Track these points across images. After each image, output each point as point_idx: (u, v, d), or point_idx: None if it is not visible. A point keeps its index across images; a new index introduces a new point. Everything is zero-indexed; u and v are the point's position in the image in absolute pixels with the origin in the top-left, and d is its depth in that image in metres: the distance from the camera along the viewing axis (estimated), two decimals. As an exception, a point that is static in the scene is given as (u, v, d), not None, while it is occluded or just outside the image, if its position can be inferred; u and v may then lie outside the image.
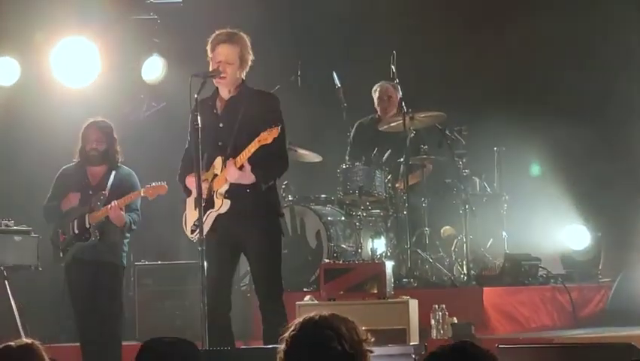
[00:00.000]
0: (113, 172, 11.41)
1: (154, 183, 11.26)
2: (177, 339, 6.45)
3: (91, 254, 11.27)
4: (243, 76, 10.13)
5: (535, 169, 14.57)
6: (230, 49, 9.98)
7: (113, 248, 11.33)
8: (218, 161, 9.97)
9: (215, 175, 9.97)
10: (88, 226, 11.23)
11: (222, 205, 9.99)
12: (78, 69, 14.43)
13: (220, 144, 10.00)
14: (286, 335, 5.63)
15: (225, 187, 9.94)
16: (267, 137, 9.66)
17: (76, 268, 11.32)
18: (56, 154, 12.05)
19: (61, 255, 11.40)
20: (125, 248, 11.43)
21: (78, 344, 11.34)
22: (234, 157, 9.83)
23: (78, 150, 11.47)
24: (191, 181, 9.92)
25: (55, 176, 11.63)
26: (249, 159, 9.80)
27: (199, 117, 9.71)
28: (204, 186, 9.85)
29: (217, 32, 10.03)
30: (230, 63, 9.98)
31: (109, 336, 11.27)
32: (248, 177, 9.84)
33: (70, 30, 14.40)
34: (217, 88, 10.09)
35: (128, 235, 11.41)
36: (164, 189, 11.21)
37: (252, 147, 9.74)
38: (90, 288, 11.26)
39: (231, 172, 9.85)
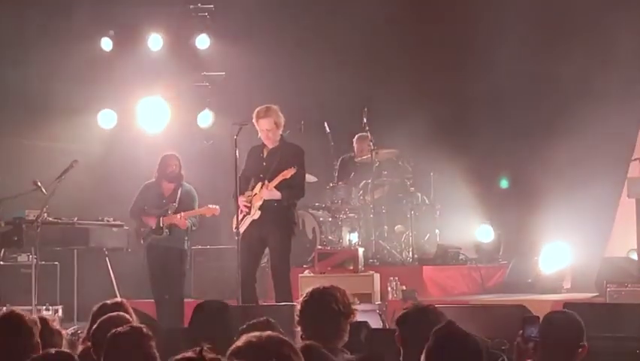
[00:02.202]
0: (180, 188, 11.44)
1: (210, 206, 11.26)
2: (214, 301, 6.51)
3: (163, 242, 11.32)
4: (281, 132, 10.34)
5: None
6: (267, 121, 10.26)
7: (179, 238, 11.35)
8: (258, 186, 10.23)
9: (255, 194, 10.20)
10: (162, 225, 11.27)
11: (255, 214, 10.22)
12: (155, 118, 14.50)
13: (261, 175, 10.29)
14: (301, 299, 5.76)
15: (260, 203, 10.24)
16: (287, 174, 10.06)
17: (153, 250, 11.38)
18: (139, 176, 11.99)
19: (142, 242, 11.45)
20: (187, 237, 11.44)
21: (153, 300, 11.36)
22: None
23: (158, 170, 11.47)
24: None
25: (139, 188, 11.64)
26: (280, 185, 10.04)
27: (237, 151, 9.99)
28: (248, 200, 10.19)
29: (257, 109, 10.35)
30: (269, 130, 10.23)
31: (176, 296, 11.30)
32: (275, 195, 10.10)
33: (150, 91, 14.43)
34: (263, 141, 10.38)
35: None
36: (217, 211, 11.21)
37: (278, 179, 10.15)
38: (162, 264, 11.32)
39: (264, 193, 10.12)
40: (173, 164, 11.46)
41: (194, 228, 11.42)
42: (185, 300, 11.46)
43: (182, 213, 11.20)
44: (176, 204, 11.33)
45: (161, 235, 11.28)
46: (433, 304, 5.91)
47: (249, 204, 10.32)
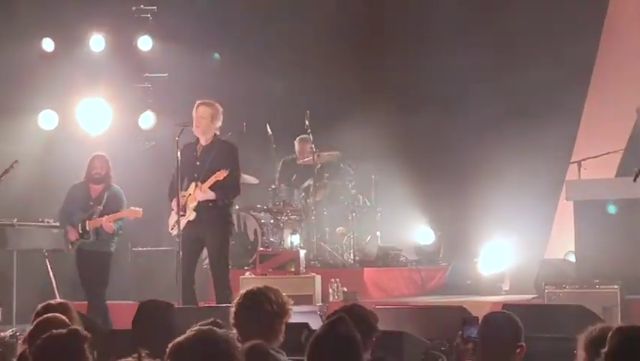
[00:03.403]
0: (107, 191, 11.23)
1: (133, 208, 11.13)
2: (157, 301, 6.48)
3: (89, 246, 11.16)
4: (217, 132, 10.27)
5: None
6: (205, 109, 10.19)
7: (105, 242, 11.19)
8: (192, 186, 10.13)
9: (190, 195, 10.11)
10: (88, 229, 11.11)
11: (191, 215, 10.14)
12: (97, 120, 14.33)
13: (195, 175, 10.18)
14: (235, 300, 5.74)
15: (194, 203, 10.15)
16: (220, 175, 9.93)
17: (81, 254, 11.22)
18: (79, 177, 11.67)
19: (70, 247, 11.29)
20: (114, 240, 11.27)
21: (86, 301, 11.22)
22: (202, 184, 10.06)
23: (85, 172, 11.34)
24: (173, 201, 10.15)
25: (68, 188, 11.52)
26: (214, 185, 9.96)
27: (179, 154, 9.94)
28: (182, 200, 10.00)
29: (199, 101, 10.22)
30: (204, 118, 10.18)
31: (99, 300, 11.15)
32: (209, 196, 10.02)
33: (92, 92, 14.26)
34: (198, 137, 10.25)
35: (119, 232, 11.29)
36: (140, 213, 11.11)
37: (211, 180, 10.03)
38: (89, 267, 11.16)
39: (198, 194, 10.04)
40: (98, 166, 11.29)
41: (120, 232, 11.26)
42: (125, 302, 11.40)
43: (107, 217, 11.04)
44: (101, 207, 11.16)
45: (88, 240, 11.14)
46: (360, 303, 5.93)
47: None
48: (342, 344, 4.63)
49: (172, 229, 10.29)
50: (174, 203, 10.21)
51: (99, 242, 11.16)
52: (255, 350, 5.08)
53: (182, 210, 10.19)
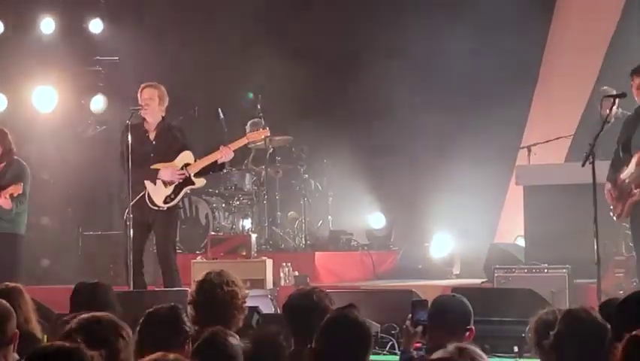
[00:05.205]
0: (7, 169, 10.55)
1: (12, 187, 10.36)
2: (96, 283, 6.48)
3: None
4: (163, 114, 10.17)
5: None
6: (151, 91, 10.06)
7: (13, 222, 10.60)
8: (188, 154, 10.08)
9: (188, 164, 9.99)
10: None
11: (200, 182, 10.19)
12: (47, 103, 14.17)
13: (152, 155, 10.04)
14: (196, 281, 5.73)
15: (197, 169, 10.06)
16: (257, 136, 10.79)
17: None
18: (29, 161, 11.48)
19: None
20: (22, 219, 10.70)
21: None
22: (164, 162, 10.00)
23: None
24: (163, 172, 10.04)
25: None
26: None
27: (129, 136, 9.84)
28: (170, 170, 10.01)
29: (144, 84, 10.13)
30: (152, 99, 10.03)
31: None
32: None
33: (42, 75, 14.07)
34: (144, 118, 10.13)
35: (22, 209, 10.64)
36: (19, 189, 10.31)
37: (239, 143, 10.41)
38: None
39: (229, 154, 10.15)
40: None
41: (19, 204, 10.55)
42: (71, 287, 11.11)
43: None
44: None
45: None
46: (319, 287, 5.95)
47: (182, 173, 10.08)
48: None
49: (165, 202, 10.07)
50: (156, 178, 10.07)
51: (5, 222, 10.60)
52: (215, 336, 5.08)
53: (181, 179, 10.05)
